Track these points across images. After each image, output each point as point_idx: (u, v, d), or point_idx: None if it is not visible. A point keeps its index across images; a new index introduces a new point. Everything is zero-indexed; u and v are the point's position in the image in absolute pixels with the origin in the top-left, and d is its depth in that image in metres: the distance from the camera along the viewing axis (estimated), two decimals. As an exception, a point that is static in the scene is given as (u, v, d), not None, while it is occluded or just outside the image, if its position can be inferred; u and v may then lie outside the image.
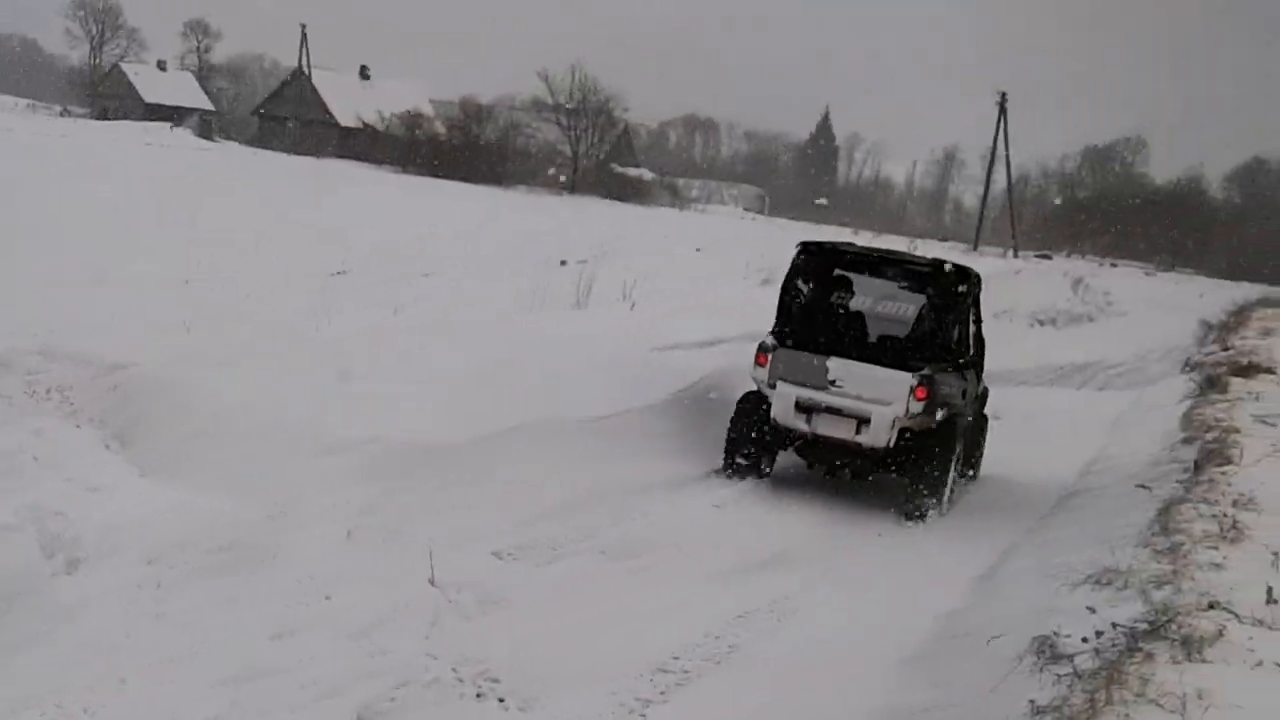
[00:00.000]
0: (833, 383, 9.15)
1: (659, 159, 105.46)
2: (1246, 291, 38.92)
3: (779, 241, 36.37)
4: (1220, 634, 5.21)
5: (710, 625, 6.35)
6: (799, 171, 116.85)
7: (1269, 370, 14.47)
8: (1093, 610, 5.92)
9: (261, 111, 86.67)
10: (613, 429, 10.00)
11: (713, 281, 21.20)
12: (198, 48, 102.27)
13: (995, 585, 7.38)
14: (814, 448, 9.56)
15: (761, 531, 8.31)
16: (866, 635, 6.42)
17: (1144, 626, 5.44)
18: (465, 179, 52.06)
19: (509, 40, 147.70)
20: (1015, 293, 22.14)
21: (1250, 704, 4.46)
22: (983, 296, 10.68)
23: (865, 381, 9.07)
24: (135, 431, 8.09)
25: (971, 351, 10.49)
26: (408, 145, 66.12)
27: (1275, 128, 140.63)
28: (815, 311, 9.95)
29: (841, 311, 10.04)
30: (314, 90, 79.76)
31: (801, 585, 7.23)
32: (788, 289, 10.01)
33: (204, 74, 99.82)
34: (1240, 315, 25.58)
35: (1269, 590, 5.96)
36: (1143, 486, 9.28)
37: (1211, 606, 5.64)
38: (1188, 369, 17.36)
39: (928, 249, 43.46)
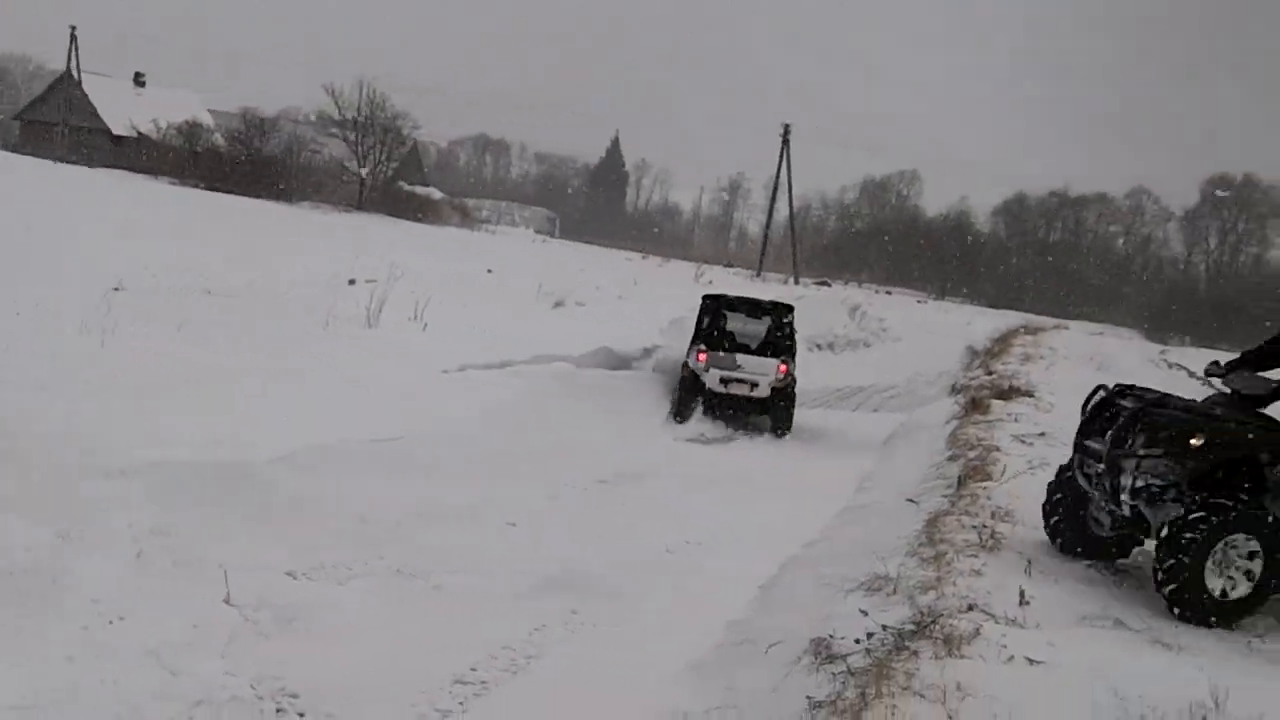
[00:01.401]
0: (739, 366, 16.15)
1: (448, 178, 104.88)
2: (1009, 319, 41.07)
3: (571, 266, 36.97)
4: (977, 633, 5.72)
5: (506, 638, 6.53)
6: (589, 195, 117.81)
7: (1028, 393, 15.46)
8: (865, 614, 6.40)
9: (24, 116, 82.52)
10: (404, 450, 10.14)
11: (505, 304, 21.38)
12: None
13: (776, 594, 7.81)
14: (727, 400, 16.18)
15: (554, 550, 8.53)
16: (656, 644, 6.71)
17: (910, 627, 5.93)
18: (248, 193, 50.77)
19: (294, 53, 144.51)
20: (797, 318, 22.90)
21: (1002, 694, 4.93)
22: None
23: (754, 364, 16.24)
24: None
25: (793, 348, 17.08)
26: (186, 157, 63.95)
27: (1035, 166, 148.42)
28: (716, 330, 16.82)
29: (730, 330, 16.94)
30: (84, 96, 76.38)
31: (591, 599, 7.46)
32: (700, 320, 16.86)
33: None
34: (1003, 341, 27.11)
35: (1021, 593, 6.56)
36: (911, 501, 10.02)
37: (970, 608, 6.18)
38: (954, 392, 18.30)
39: (713, 274, 44.71)
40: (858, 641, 5.91)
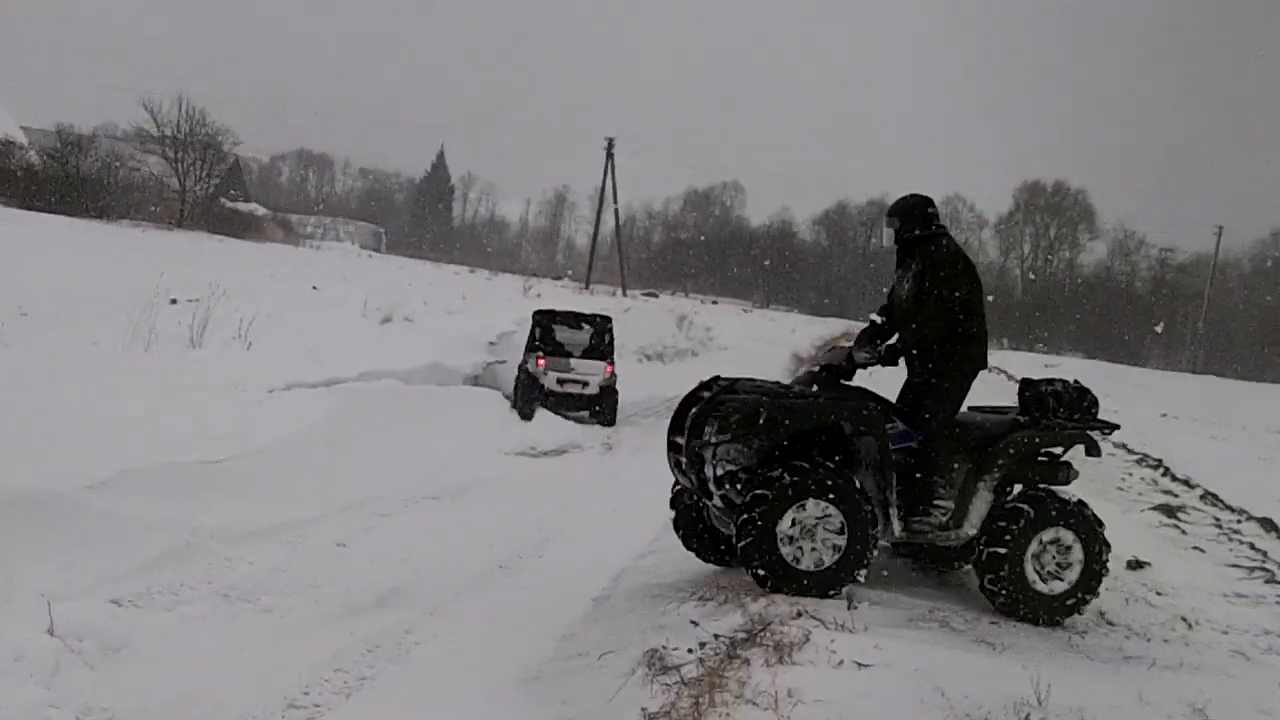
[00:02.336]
0: (572, 368, 18.54)
1: (271, 194, 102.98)
2: (832, 326, 42.17)
3: (398, 281, 36.52)
4: (807, 639, 5.83)
5: (338, 660, 6.45)
6: (415, 209, 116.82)
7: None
8: (696, 624, 6.47)
9: None
10: (230, 471, 9.92)
11: (331, 321, 21.01)
12: None
13: (609, 606, 7.85)
14: (563, 398, 18.30)
15: (385, 569, 8.45)
16: (487, 660, 6.69)
17: (742, 635, 6.02)
18: (64, 212, 48.87)
19: (111, 69, 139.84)
20: (625, 330, 23.12)
21: (832, 697, 5.03)
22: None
23: (586, 366, 18.73)
24: None
25: (614, 352, 19.54)
26: None
27: (854, 176, 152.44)
28: (549, 339, 19.10)
29: (560, 339, 19.21)
30: (-122, 110, 72.89)
31: (424, 618, 7.42)
32: (533, 331, 19.17)
33: None
34: (827, 348, 27.73)
35: (849, 598, 6.72)
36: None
37: (800, 615, 6.30)
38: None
39: (542, 287, 44.72)
40: (690, 651, 5.98)
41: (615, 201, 70.09)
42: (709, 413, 7.44)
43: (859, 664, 5.54)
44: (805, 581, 6.86)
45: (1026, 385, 7.87)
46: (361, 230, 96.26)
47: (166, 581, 7.46)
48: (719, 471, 7.22)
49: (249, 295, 20.09)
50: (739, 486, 7.13)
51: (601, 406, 18.76)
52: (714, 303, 63.06)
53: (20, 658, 5.64)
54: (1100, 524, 7.39)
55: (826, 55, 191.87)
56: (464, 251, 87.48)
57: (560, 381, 18.40)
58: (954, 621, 6.88)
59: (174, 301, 18.32)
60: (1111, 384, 29.42)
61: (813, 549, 6.92)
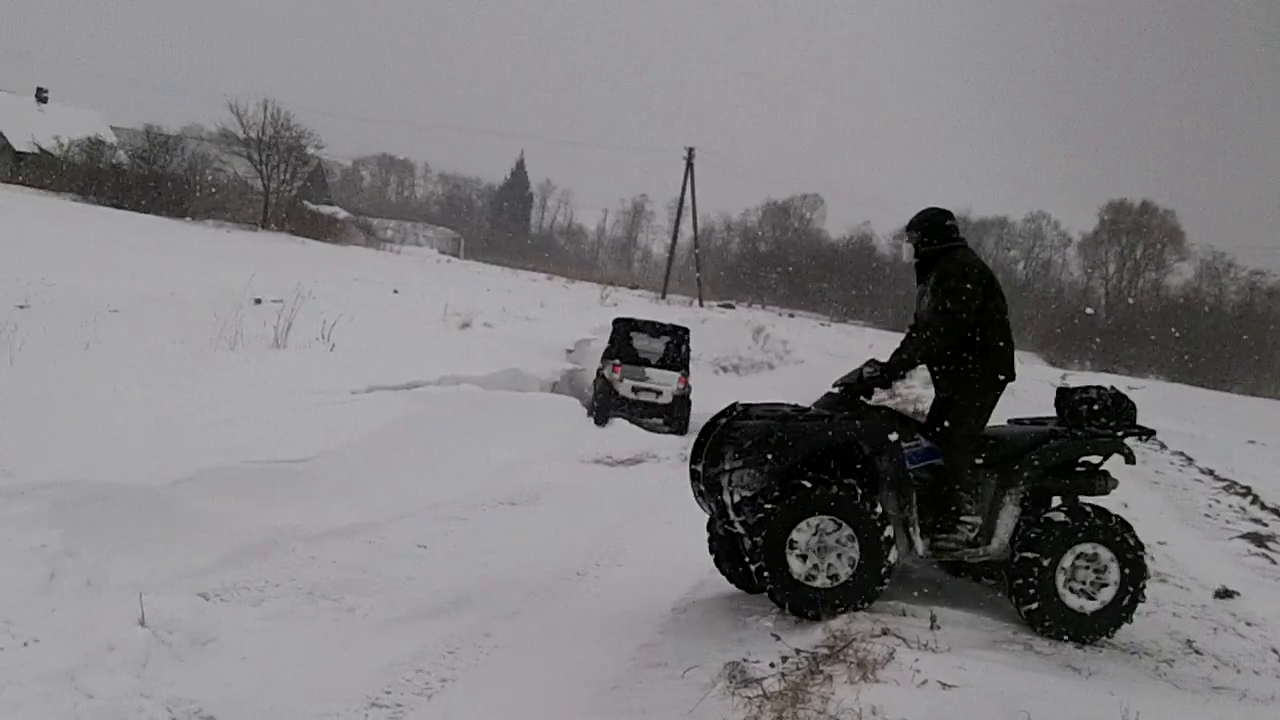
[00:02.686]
0: (647, 377, 18.83)
1: (353, 198, 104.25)
2: (910, 343, 41.58)
3: (477, 287, 36.78)
4: (891, 656, 5.77)
5: (419, 661, 6.48)
6: (494, 216, 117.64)
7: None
8: (777, 638, 6.42)
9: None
10: (313, 471, 10.01)
11: (412, 325, 21.21)
12: None
13: (689, 617, 7.82)
14: (637, 405, 18.63)
15: (462, 571, 8.49)
16: (566, 666, 6.69)
17: (824, 651, 5.97)
18: (151, 211, 49.86)
19: (200, 72, 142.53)
20: (701, 341, 23.09)
21: (916, 717, 4.98)
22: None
23: (659, 376, 18.99)
24: None
25: (690, 364, 19.95)
26: (89, 173, 62.76)
27: (939, 189, 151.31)
28: (626, 347, 19.38)
29: (637, 347, 19.46)
30: (-15, 111, 74.79)
31: (502, 622, 7.44)
32: (612, 339, 19.52)
33: None
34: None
35: (932, 617, 6.64)
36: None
37: (884, 633, 6.23)
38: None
39: (619, 296, 44.81)
40: (772, 665, 5.94)
41: (694, 212, 70.00)
42: (725, 439, 7.42)
43: (943, 684, 5.46)
44: (821, 598, 6.83)
45: (1061, 395, 7.75)
46: (440, 235, 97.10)
47: (251, 577, 7.57)
48: (736, 498, 7.22)
49: (332, 297, 20.34)
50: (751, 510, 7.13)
51: (674, 416, 19.00)
52: (790, 316, 62.86)
53: (112, 648, 5.73)
54: (1142, 548, 7.20)
55: (914, 70, 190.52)
56: (541, 258, 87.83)
57: (635, 389, 18.73)
58: (1038, 645, 6.78)
59: (258, 302, 18.58)
60: (1196, 409, 28.90)
61: (828, 565, 6.89)
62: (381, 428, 11.77)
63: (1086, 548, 7.10)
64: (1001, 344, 7.54)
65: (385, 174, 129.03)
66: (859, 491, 6.99)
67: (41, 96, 79.13)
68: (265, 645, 6.43)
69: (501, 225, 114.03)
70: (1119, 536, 7.13)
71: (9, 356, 11.42)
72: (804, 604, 6.83)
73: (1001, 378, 7.52)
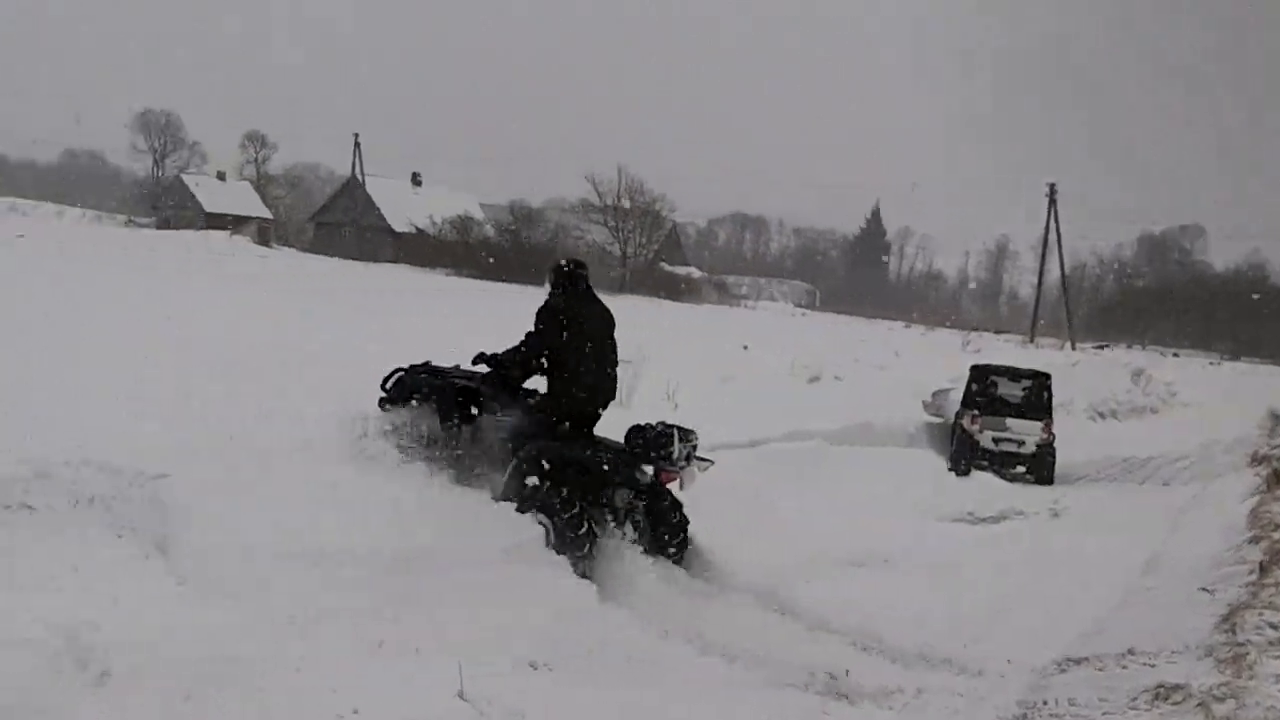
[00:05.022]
0: (1008, 426, 18.16)
1: (708, 257, 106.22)
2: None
3: (829, 338, 36.43)
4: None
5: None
6: (849, 266, 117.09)
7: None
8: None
9: (317, 218, 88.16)
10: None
11: (760, 380, 21.04)
12: (255, 158, 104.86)
13: (1049, 700, 7.04)
14: (997, 456, 17.97)
15: (818, 640, 8.07)
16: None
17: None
18: (516, 280, 52.33)
19: (557, 146, 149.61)
20: (1073, 384, 21.87)
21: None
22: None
23: (1023, 425, 18.23)
24: (172, 542, 7.98)
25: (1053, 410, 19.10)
26: (459, 249, 66.73)
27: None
28: (986, 395, 18.77)
29: (997, 395, 18.84)
30: (368, 197, 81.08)
31: (865, 703, 7.00)
32: (969, 387, 18.92)
33: (262, 183, 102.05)
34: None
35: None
36: (1205, 590, 8.91)
37: (1280, 722, 5.35)
38: (1255, 463, 16.84)
39: (982, 342, 43.33)
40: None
41: (1060, 249, 67.01)
42: None
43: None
44: None
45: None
46: (795, 289, 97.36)
47: (579, 645, 7.38)
48: None
49: (680, 357, 20.44)
50: None
51: (1039, 466, 18.16)
52: (1174, 355, 58.88)
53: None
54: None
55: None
56: (899, 307, 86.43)
57: (995, 440, 18.08)
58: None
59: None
60: None
61: None
62: (724, 486, 11.52)
63: None
64: None
65: (739, 231, 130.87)
66: None
67: (416, 180, 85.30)
68: (586, 714, 6.23)
69: (857, 275, 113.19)
70: None
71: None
72: None
73: None
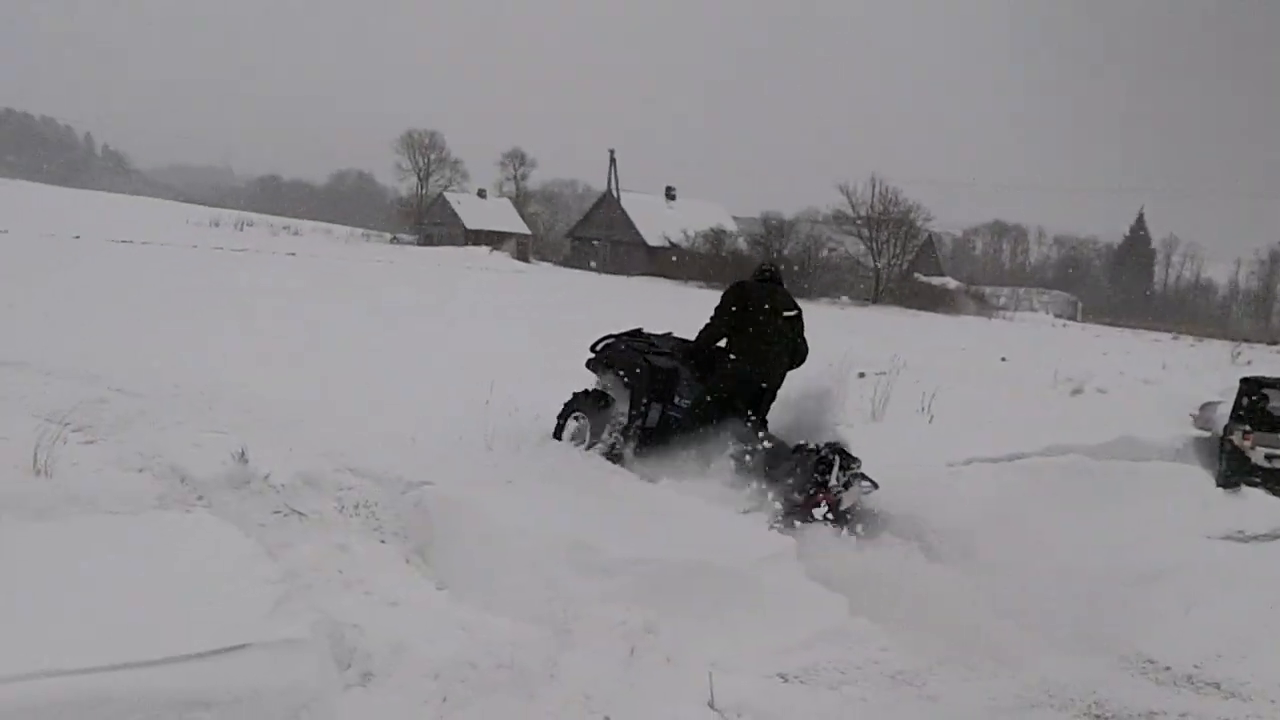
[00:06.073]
0: None
1: (964, 267, 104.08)
2: None
3: (1093, 350, 35.10)
4: None
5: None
6: (1112, 276, 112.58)
7: None
8: None
9: (574, 234, 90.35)
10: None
11: (1018, 392, 20.45)
12: (515, 176, 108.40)
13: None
14: (1272, 474, 16.18)
15: (1062, 660, 7.80)
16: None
17: None
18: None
19: (810, 157, 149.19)
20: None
21: None
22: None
23: None
24: (433, 547, 8.32)
25: None
26: (711, 261, 67.21)
27: None
28: (1258, 409, 16.86)
29: (1269, 408, 16.89)
30: (622, 212, 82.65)
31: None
32: (1239, 400, 17.17)
33: (520, 200, 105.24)
34: None
35: None
36: None
37: None
38: None
39: (1254, 354, 40.99)
40: None
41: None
42: None
43: None
44: None
45: None
46: (1056, 299, 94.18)
47: (832, 659, 7.35)
48: None
49: (936, 367, 20.09)
50: None
51: None
52: None
53: (680, 729, 5.74)
54: None
55: None
56: (1165, 318, 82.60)
57: (1269, 457, 16.52)
58: None
59: (861, 375, 18.68)
60: None
61: None
62: (976, 501, 11.28)
63: None
64: None
65: (997, 241, 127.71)
66: None
67: (670, 195, 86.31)
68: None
69: (1121, 285, 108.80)
70: None
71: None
72: None
73: None
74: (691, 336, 11.01)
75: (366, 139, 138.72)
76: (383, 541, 8.31)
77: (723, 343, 10.71)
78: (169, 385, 11.70)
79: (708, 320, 10.68)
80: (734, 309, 10.54)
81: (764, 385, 10.69)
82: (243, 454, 8.35)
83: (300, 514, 8.06)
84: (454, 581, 7.73)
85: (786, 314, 10.91)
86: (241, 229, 72.34)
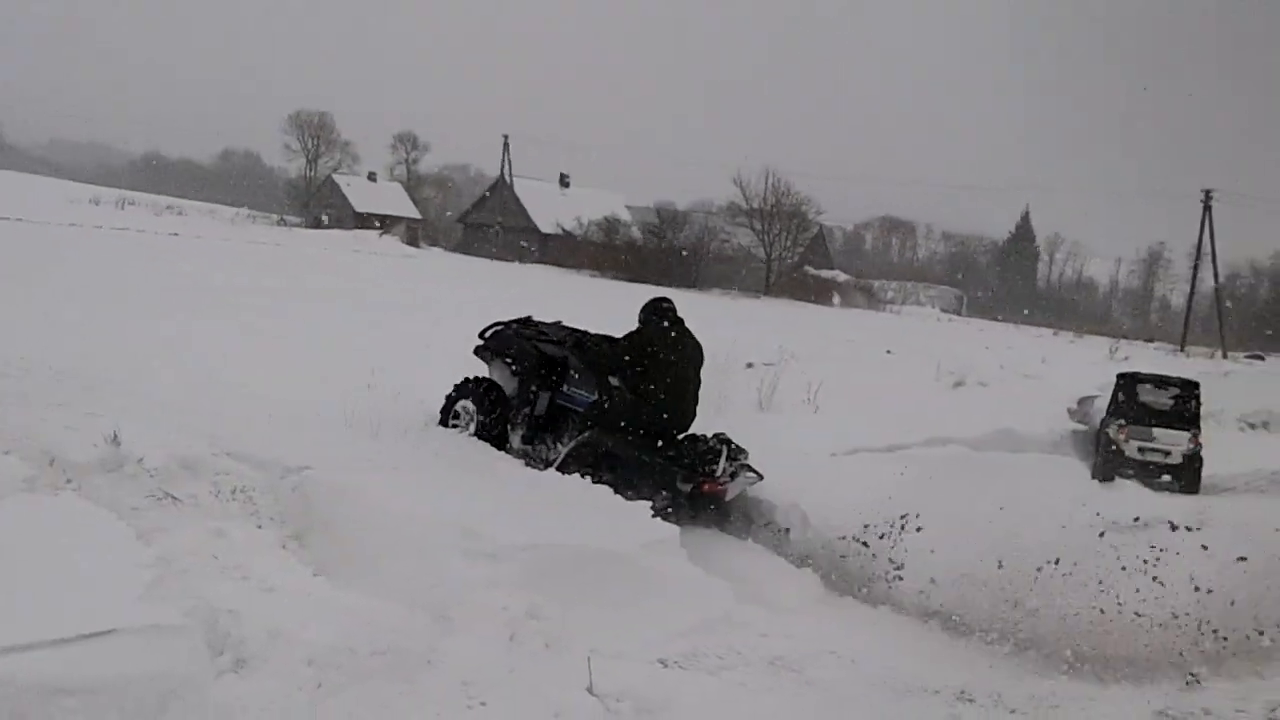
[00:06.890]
0: (1154, 436, 17.63)
1: (854, 261, 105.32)
2: None
3: (975, 344, 35.74)
4: None
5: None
6: (998, 272, 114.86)
7: None
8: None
9: (466, 219, 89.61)
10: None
11: (902, 385, 20.76)
12: (406, 159, 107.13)
13: None
14: (1143, 466, 17.25)
15: (941, 648, 7.94)
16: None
17: None
18: (660, 283, 52.50)
19: (704, 148, 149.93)
20: (1224, 395, 21.11)
21: None
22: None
23: (1168, 435, 17.65)
24: (312, 532, 8.19)
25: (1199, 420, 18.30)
26: (604, 250, 67.18)
27: None
28: (1132, 404, 18.14)
29: (1144, 404, 18.16)
30: (515, 198, 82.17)
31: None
32: (1115, 395, 18.50)
33: (412, 184, 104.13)
34: None
35: None
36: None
37: None
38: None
39: (1131, 350, 42.15)
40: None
41: (1214, 258, 64.85)
42: None
43: None
44: None
45: None
46: (942, 294, 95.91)
47: (714, 645, 7.38)
48: None
49: (822, 359, 20.30)
50: None
51: (1185, 476, 17.46)
52: (1335, 364, 56.43)
53: (558, 715, 5.71)
54: None
55: None
56: (1048, 314, 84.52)
57: (1141, 450, 17.54)
58: None
59: (749, 366, 18.80)
60: None
61: None
62: (861, 490, 11.40)
63: None
64: None
65: (887, 236, 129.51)
66: None
67: (564, 181, 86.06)
68: (720, 716, 6.22)
69: (1006, 281, 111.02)
70: None
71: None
72: None
73: None
74: (581, 326, 10.95)
75: (256, 118, 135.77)
76: (260, 527, 8.14)
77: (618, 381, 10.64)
78: (46, 368, 11.34)
79: (611, 343, 10.77)
80: (646, 362, 10.40)
81: (676, 432, 10.64)
82: (115, 437, 8.12)
83: (175, 498, 7.87)
84: (334, 567, 7.60)
85: (695, 362, 10.90)
86: (123, 208, 70.64)
